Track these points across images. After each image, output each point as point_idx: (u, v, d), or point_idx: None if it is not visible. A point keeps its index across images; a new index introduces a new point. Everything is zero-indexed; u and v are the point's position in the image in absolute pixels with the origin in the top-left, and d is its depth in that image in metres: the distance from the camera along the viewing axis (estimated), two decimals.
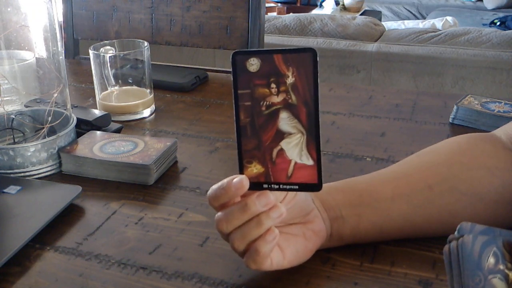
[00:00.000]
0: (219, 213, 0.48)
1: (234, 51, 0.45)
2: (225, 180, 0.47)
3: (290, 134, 0.45)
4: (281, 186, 0.46)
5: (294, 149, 0.45)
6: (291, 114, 0.45)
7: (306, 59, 0.43)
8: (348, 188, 0.56)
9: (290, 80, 0.44)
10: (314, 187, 0.46)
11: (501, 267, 0.35)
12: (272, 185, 0.46)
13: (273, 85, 0.44)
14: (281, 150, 0.46)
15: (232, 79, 0.45)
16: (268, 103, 0.45)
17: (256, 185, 0.46)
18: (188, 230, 0.60)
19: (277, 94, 0.44)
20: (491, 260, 0.35)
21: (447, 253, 0.37)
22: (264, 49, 0.44)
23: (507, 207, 0.55)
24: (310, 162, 0.45)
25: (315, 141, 0.45)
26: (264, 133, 0.45)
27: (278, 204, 0.46)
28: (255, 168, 0.46)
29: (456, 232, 0.38)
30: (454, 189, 0.54)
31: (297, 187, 0.46)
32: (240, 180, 0.46)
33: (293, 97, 0.44)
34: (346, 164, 0.74)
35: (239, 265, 0.52)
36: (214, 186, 0.48)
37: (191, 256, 0.55)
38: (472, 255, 0.36)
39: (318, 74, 0.43)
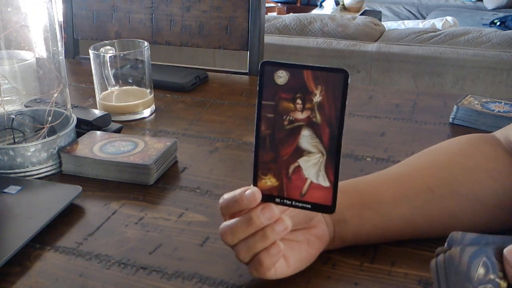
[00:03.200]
0: (224, 225, 0.48)
1: (264, 60, 0.43)
2: (237, 192, 0.46)
3: (309, 152, 0.44)
4: (293, 202, 0.46)
5: (312, 169, 0.44)
6: (313, 133, 0.44)
7: (337, 79, 0.42)
8: (350, 190, 0.55)
9: (317, 98, 0.43)
10: (327, 209, 0.45)
11: (492, 276, 0.34)
12: (285, 200, 0.46)
13: (298, 101, 0.43)
14: (298, 167, 0.45)
15: (257, 88, 0.44)
16: (291, 118, 0.44)
17: (268, 198, 0.46)
18: (188, 230, 0.60)
19: (302, 111, 0.43)
20: (481, 271, 0.34)
21: (434, 267, 0.37)
22: (296, 63, 0.43)
23: (507, 211, 0.55)
24: (326, 183, 0.44)
25: (334, 164, 0.44)
26: (283, 148, 0.45)
27: (283, 217, 0.46)
28: (269, 181, 0.46)
29: (445, 243, 0.37)
30: (455, 192, 0.54)
31: (309, 206, 0.45)
32: (253, 193, 0.45)
33: (318, 116, 0.43)
34: (346, 164, 0.74)
35: (239, 265, 0.52)
36: (226, 196, 0.47)
37: (191, 256, 0.55)
38: (460, 267, 0.35)
39: (347, 97, 0.42)
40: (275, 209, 0.46)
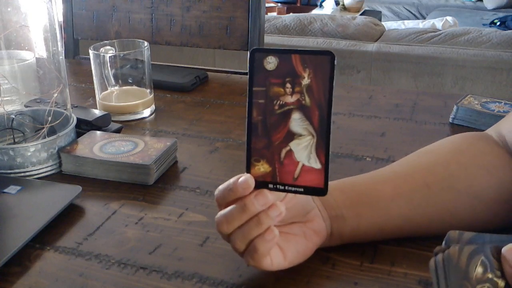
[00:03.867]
0: (219, 215, 0.48)
1: (254, 48, 0.44)
2: (231, 181, 0.47)
3: (300, 135, 0.45)
4: (286, 187, 0.46)
5: (303, 152, 0.45)
6: (303, 116, 0.44)
7: (324, 62, 0.43)
8: (348, 187, 0.56)
9: (305, 81, 0.44)
10: (319, 191, 0.46)
11: (490, 275, 0.34)
12: (278, 186, 0.46)
13: (288, 85, 0.44)
14: (290, 151, 0.45)
15: (248, 75, 0.45)
16: (281, 102, 0.44)
17: (261, 184, 0.46)
18: (188, 230, 0.60)
19: (291, 94, 0.44)
20: (479, 269, 0.35)
21: (433, 266, 0.37)
22: (283, 48, 0.44)
23: (505, 206, 0.55)
24: (318, 166, 0.45)
25: (325, 145, 0.44)
26: (275, 133, 0.45)
27: (277, 203, 0.46)
28: (262, 167, 0.46)
29: (443, 242, 0.37)
30: (452, 188, 0.55)
31: (302, 190, 0.46)
32: (246, 180, 0.46)
33: (307, 99, 0.44)
34: (346, 164, 0.74)
35: (239, 265, 0.52)
36: (221, 187, 0.48)
37: (191, 256, 0.55)
38: (459, 266, 0.35)
39: (335, 78, 0.43)
40: (268, 195, 0.46)
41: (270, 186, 0.46)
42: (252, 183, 0.46)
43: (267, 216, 0.46)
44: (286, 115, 0.45)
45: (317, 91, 0.43)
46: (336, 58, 0.42)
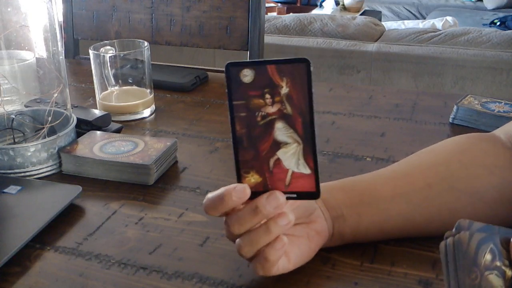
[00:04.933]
0: (230, 217, 0.47)
1: (228, 62, 0.44)
2: (223, 189, 0.46)
3: (286, 143, 0.45)
4: None
5: (291, 159, 0.45)
6: (286, 124, 0.45)
7: (300, 69, 0.43)
8: (349, 187, 0.56)
9: (284, 90, 0.44)
10: (313, 195, 0.46)
11: (498, 263, 0.35)
12: None
13: (267, 96, 0.44)
14: (278, 159, 0.46)
15: (226, 90, 0.45)
16: (263, 113, 0.45)
17: (255, 195, 0.46)
18: (188, 230, 0.60)
19: (272, 105, 0.44)
20: (488, 257, 0.35)
21: (443, 249, 0.37)
22: (258, 60, 0.44)
23: (507, 206, 0.55)
24: (307, 171, 0.45)
25: (311, 150, 0.45)
26: (261, 144, 0.46)
27: (286, 212, 0.46)
28: (253, 178, 0.47)
29: (453, 229, 0.38)
30: (453, 188, 0.55)
31: (295, 195, 0.46)
32: (243, 189, 0.46)
33: (288, 107, 0.44)
34: (346, 164, 0.74)
35: (239, 265, 0.52)
36: (210, 195, 0.47)
37: (191, 256, 0.55)
38: (468, 251, 0.36)
39: (312, 84, 0.43)
40: (280, 197, 0.46)
41: None
42: (249, 192, 0.46)
43: (276, 224, 0.46)
44: (270, 125, 0.45)
45: (297, 98, 0.44)
46: (311, 64, 0.43)
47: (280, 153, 0.45)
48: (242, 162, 0.46)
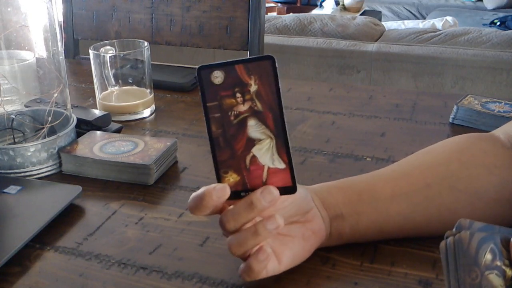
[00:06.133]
0: (226, 212, 0.48)
1: (199, 66, 0.46)
2: (203, 189, 0.47)
3: (260, 140, 0.46)
4: None
5: (266, 155, 0.46)
6: (258, 121, 0.46)
7: (266, 66, 0.44)
8: (348, 186, 0.56)
9: (253, 88, 0.45)
10: (290, 189, 0.47)
11: (498, 263, 0.35)
12: (250, 192, 0.47)
13: (238, 95, 0.45)
14: (254, 156, 0.47)
15: (200, 93, 0.46)
16: (236, 112, 0.46)
17: (234, 194, 0.47)
18: (188, 230, 0.60)
19: (243, 103, 0.45)
20: (488, 256, 0.35)
21: (444, 248, 0.38)
22: (226, 61, 0.46)
23: (506, 205, 0.55)
24: (282, 165, 0.46)
25: (284, 145, 0.46)
26: (236, 142, 0.46)
27: (276, 216, 0.46)
28: (232, 178, 0.47)
29: (454, 228, 0.38)
30: (453, 188, 0.55)
31: None
32: (223, 188, 0.46)
33: (258, 104, 0.45)
34: (346, 164, 0.74)
35: (239, 265, 0.52)
36: (193, 195, 0.48)
37: (191, 256, 0.55)
38: (469, 251, 0.36)
39: (279, 79, 0.45)
40: (274, 192, 0.46)
41: (243, 194, 0.47)
42: (228, 191, 0.46)
43: (264, 228, 0.46)
44: (243, 124, 0.46)
45: (266, 94, 0.45)
46: (276, 61, 0.44)
47: (255, 150, 0.46)
48: (220, 162, 0.47)
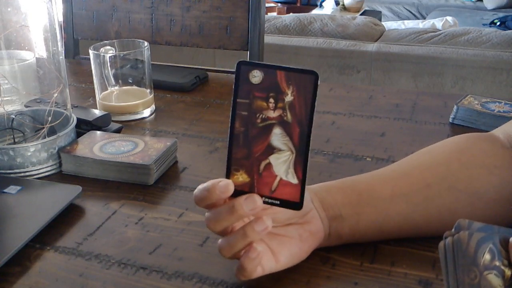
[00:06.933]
0: (209, 213, 0.49)
1: (240, 60, 0.45)
2: (209, 182, 0.47)
3: (280, 150, 0.46)
4: (263, 198, 0.47)
5: (282, 166, 0.46)
6: (284, 131, 0.45)
7: (308, 80, 0.44)
8: (348, 187, 0.56)
9: (288, 98, 0.45)
10: (295, 205, 0.47)
11: (497, 263, 0.35)
12: None
13: (271, 100, 0.45)
14: (269, 164, 0.46)
15: (233, 87, 0.45)
16: (264, 116, 0.45)
17: (239, 194, 0.47)
18: (188, 230, 0.60)
19: (274, 109, 0.45)
20: (487, 256, 0.35)
21: (442, 248, 0.38)
22: (270, 63, 0.45)
23: (506, 205, 0.55)
24: (295, 181, 0.46)
25: (303, 162, 0.46)
26: (255, 145, 0.46)
27: (264, 217, 0.46)
28: (241, 177, 0.47)
29: (453, 229, 0.38)
30: (453, 188, 0.55)
31: (278, 202, 0.47)
32: (226, 184, 0.46)
33: (289, 115, 0.45)
34: (346, 164, 0.74)
35: None
36: (200, 187, 0.48)
37: (191, 256, 0.55)
38: (468, 251, 0.36)
39: (317, 98, 0.44)
40: (257, 200, 0.46)
41: None
42: (231, 188, 0.46)
43: (252, 230, 0.46)
44: (268, 129, 0.46)
45: (299, 108, 0.45)
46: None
47: (272, 158, 0.46)
48: (234, 159, 0.47)
